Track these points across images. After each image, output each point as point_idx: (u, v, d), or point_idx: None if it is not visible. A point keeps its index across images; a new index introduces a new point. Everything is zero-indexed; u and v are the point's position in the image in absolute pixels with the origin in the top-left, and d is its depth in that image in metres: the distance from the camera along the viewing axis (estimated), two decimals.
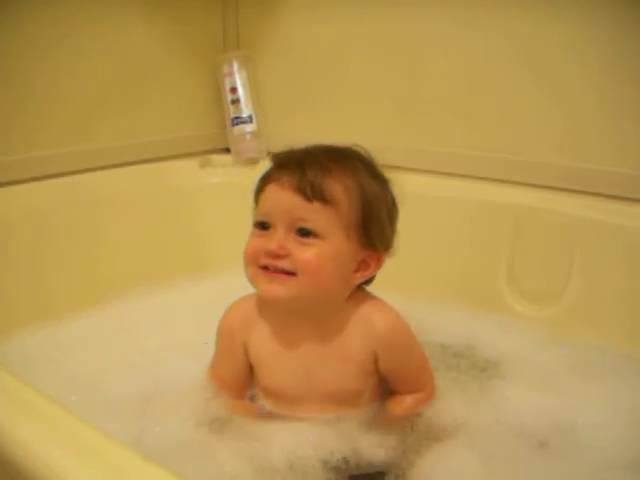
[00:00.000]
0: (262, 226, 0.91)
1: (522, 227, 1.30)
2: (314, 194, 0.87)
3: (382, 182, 0.95)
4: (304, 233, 0.88)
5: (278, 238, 0.88)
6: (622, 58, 1.21)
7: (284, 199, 0.88)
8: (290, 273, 0.88)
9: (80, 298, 1.33)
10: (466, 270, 1.36)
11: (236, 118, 1.66)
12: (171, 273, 1.45)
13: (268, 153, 1.64)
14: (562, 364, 1.13)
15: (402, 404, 0.97)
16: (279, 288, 0.88)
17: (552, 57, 1.29)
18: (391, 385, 0.99)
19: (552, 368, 1.12)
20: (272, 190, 0.90)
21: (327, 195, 0.88)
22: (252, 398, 1.00)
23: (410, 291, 1.24)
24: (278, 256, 0.88)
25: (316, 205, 0.87)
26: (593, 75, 1.25)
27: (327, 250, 0.88)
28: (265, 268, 0.89)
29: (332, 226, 0.88)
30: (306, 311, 0.93)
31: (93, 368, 1.11)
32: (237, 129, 1.66)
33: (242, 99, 1.66)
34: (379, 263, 0.95)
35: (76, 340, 1.21)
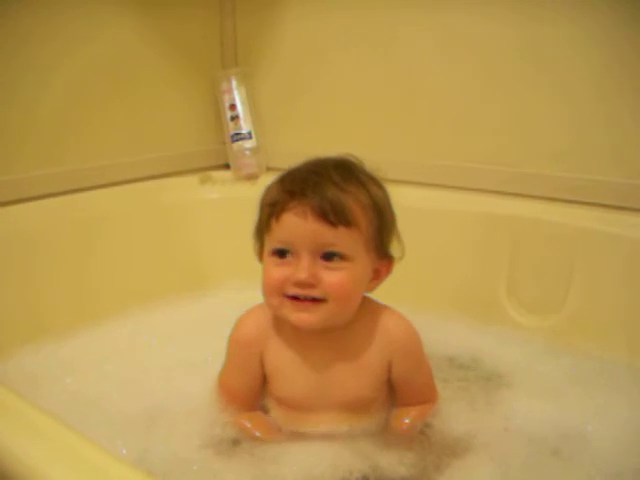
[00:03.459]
0: (280, 254, 0.89)
1: (522, 238, 1.31)
2: (338, 219, 0.86)
3: (381, 186, 0.96)
4: (330, 257, 0.87)
5: (306, 266, 0.87)
6: (624, 62, 1.22)
7: (308, 227, 0.86)
8: (320, 300, 0.88)
9: (80, 317, 1.33)
10: (466, 282, 1.37)
11: (236, 134, 1.67)
12: (172, 290, 1.45)
13: (268, 168, 1.65)
14: (564, 374, 1.14)
15: (408, 417, 0.98)
16: (310, 316, 0.88)
17: (553, 67, 1.29)
18: (398, 395, 0.99)
19: (554, 378, 1.13)
20: (292, 219, 0.87)
21: (350, 218, 0.87)
22: (262, 409, 1.00)
23: (411, 304, 1.22)
24: (310, 285, 0.87)
25: (341, 230, 0.87)
26: (593, 85, 1.25)
27: (356, 271, 0.89)
28: (294, 297, 0.88)
29: (357, 246, 0.89)
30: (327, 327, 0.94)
31: (95, 387, 1.10)
32: (237, 145, 1.67)
33: (241, 115, 1.67)
34: (390, 269, 0.96)
35: (77, 359, 1.20)
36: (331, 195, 0.86)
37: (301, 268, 0.87)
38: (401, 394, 0.99)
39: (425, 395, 1.00)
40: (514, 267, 1.31)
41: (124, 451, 0.86)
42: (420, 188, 1.45)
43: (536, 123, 1.33)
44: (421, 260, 1.36)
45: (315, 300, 0.88)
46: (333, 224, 0.86)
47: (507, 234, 1.32)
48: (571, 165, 1.30)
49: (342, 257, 0.88)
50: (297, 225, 0.87)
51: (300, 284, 0.87)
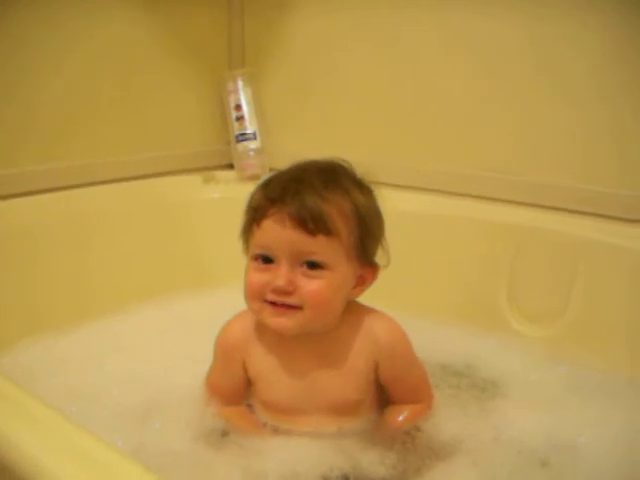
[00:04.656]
0: (262, 259, 0.90)
1: (524, 247, 1.30)
2: (317, 228, 0.86)
3: (369, 194, 0.95)
4: (309, 265, 0.88)
5: (284, 273, 0.87)
6: (628, 63, 1.21)
7: (287, 235, 0.86)
8: (296, 307, 0.88)
9: (79, 312, 1.33)
10: (467, 289, 1.36)
11: (240, 135, 1.68)
12: (172, 287, 1.45)
13: (271, 169, 1.65)
14: (562, 384, 1.13)
15: (400, 415, 0.98)
16: (287, 321, 0.89)
17: (558, 69, 1.29)
18: (390, 395, 0.99)
19: (551, 387, 1.12)
20: (271, 226, 0.88)
21: (330, 227, 0.87)
22: (249, 408, 1.00)
23: (411, 310, 1.23)
24: (287, 292, 0.87)
25: (320, 238, 0.87)
26: (602, 96, 1.25)
27: (336, 280, 0.89)
28: (272, 302, 0.89)
29: (337, 255, 0.88)
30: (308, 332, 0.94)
31: (93, 381, 1.11)
32: (241, 146, 1.67)
33: (246, 116, 1.67)
34: (375, 275, 0.95)
35: (75, 354, 1.21)
36: (310, 203, 0.86)
37: (279, 275, 0.87)
38: (392, 394, 0.99)
39: (417, 395, 0.99)
40: (516, 275, 1.31)
41: (120, 443, 0.86)
42: (422, 194, 1.45)
43: (541, 132, 1.33)
44: (422, 266, 1.37)
45: (292, 307, 0.88)
46: (312, 232, 0.86)
47: (509, 242, 1.31)
48: (575, 175, 1.30)
49: (321, 266, 0.88)
50: (276, 232, 0.87)
51: (277, 291, 0.88)
